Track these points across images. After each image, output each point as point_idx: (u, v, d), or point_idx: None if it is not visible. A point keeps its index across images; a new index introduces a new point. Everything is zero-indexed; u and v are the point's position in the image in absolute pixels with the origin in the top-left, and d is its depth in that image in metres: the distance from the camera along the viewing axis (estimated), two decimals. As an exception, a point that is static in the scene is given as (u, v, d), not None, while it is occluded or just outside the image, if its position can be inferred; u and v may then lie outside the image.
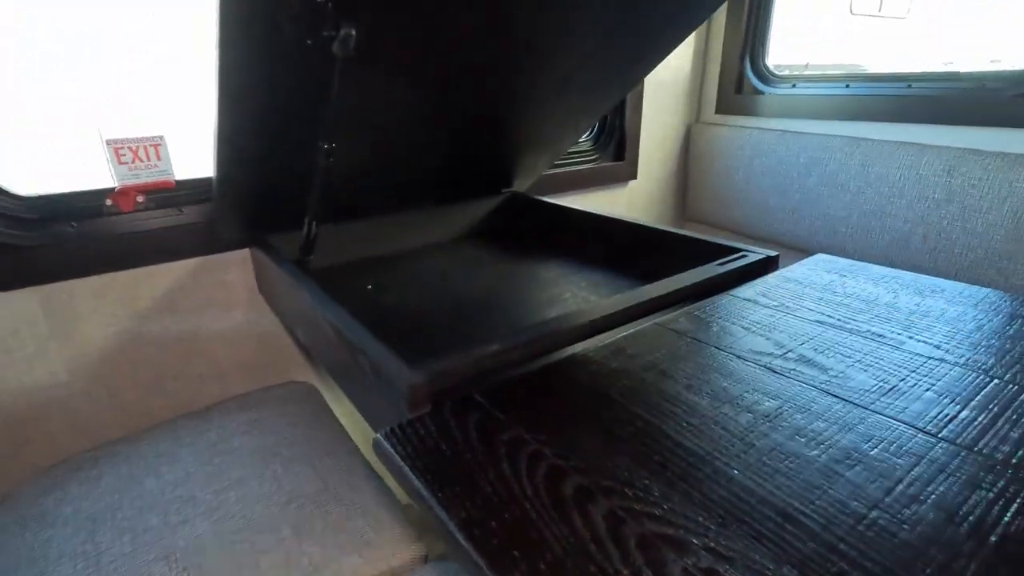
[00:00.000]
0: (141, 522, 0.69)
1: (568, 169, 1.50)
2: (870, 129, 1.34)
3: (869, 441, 0.41)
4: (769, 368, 0.50)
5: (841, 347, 0.53)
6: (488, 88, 0.85)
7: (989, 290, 0.64)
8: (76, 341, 0.92)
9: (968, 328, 0.56)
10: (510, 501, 0.36)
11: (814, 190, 1.41)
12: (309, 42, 0.56)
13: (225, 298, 1.03)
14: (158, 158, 0.95)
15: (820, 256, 0.78)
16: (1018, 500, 0.35)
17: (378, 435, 0.43)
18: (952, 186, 1.17)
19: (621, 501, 0.36)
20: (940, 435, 0.42)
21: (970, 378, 0.48)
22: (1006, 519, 0.34)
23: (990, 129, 1.15)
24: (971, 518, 0.34)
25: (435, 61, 0.74)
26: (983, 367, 0.50)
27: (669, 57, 1.58)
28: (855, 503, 0.36)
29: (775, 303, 0.63)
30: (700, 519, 0.34)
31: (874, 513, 0.35)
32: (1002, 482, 0.37)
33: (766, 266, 0.77)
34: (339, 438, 0.87)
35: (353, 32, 0.55)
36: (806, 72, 1.52)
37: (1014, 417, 0.43)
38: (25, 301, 0.86)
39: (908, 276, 0.68)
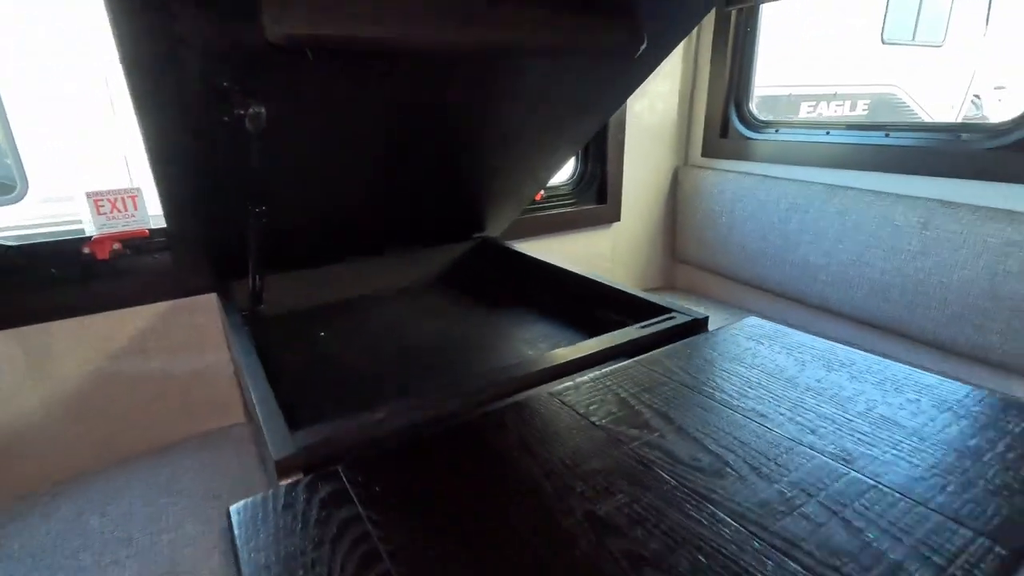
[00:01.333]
0: (75, 562, 0.73)
1: (550, 212, 1.52)
2: (849, 177, 1.32)
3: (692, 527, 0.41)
4: (633, 454, 0.50)
5: (715, 426, 0.53)
6: (430, 150, 0.89)
7: (899, 366, 0.62)
8: (52, 379, 0.98)
9: (857, 410, 0.55)
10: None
11: (794, 236, 1.39)
12: (225, 119, 0.61)
13: (196, 339, 1.08)
14: (135, 208, 1.02)
15: (749, 320, 0.77)
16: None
17: (231, 508, 0.45)
18: (927, 239, 1.14)
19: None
20: (769, 529, 0.41)
21: (828, 468, 0.47)
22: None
23: (965, 181, 1.12)
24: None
25: (360, 129, 0.78)
26: (845, 457, 0.49)
27: (655, 102, 1.61)
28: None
29: (676, 374, 0.63)
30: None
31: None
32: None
33: (694, 327, 0.77)
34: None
35: (263, 111, 0.60)
36: (788, 119, 1.51)
37: (861, 509, 0.42)
38: (4, 342, 0.93)
39: (823, 346, 0.67)
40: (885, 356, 0.65)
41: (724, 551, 0.40)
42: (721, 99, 1.58)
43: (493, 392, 0.61)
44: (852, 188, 1.29)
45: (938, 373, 0.62)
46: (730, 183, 1.56)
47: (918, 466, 0.47)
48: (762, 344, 0.69)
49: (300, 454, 0.49)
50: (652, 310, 0.82)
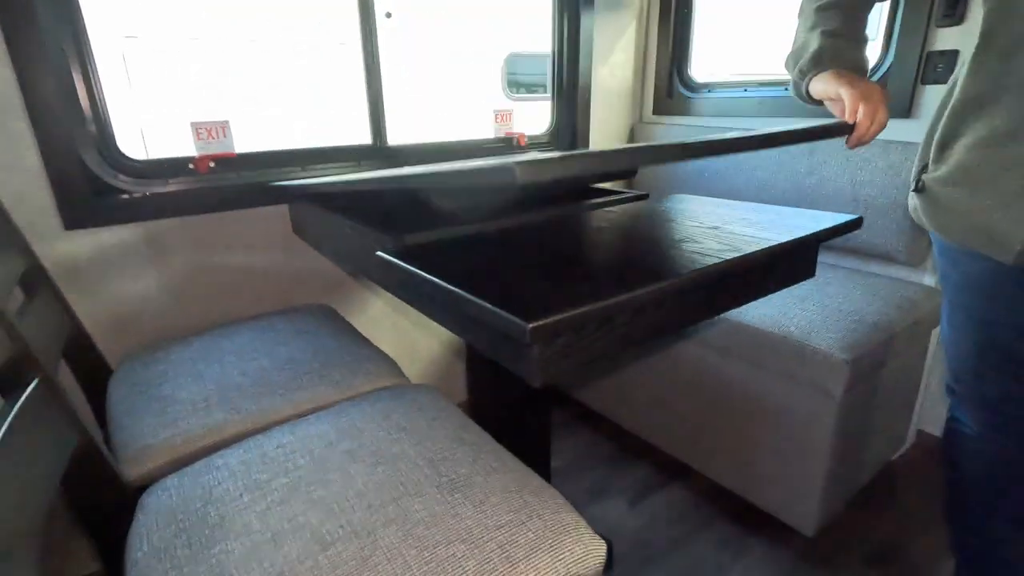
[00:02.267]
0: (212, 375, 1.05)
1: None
2: (762, 123, 1.72)
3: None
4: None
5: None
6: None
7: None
8: (164, 263, 1.29)
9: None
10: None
11: (724, 170, 1.79)
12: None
13: (268, 239, 1.40)
14: (224, 135, 1.33)
15: (675, 195, 1.15)
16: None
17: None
18: (813, 162, 1.56)
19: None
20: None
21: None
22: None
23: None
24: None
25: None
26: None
27: (614, 68, 1.98)
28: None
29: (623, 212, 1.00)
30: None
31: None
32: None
33: (640, 199, 1.15)
34: (354, 342, 1.23)
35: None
36: (719, 81, 1.91)
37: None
38: (133, 233, 1.24)
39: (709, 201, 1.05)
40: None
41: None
42: (666, 67, 1.97)
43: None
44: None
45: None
46: (677, 134, 1.95)
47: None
48: (679, 204, 1.07)
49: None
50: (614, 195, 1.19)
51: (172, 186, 1.27)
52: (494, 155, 1.76)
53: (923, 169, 0.86)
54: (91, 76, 1.16)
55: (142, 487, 0.78)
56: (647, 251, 0.74)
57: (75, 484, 0.72)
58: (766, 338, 1.21)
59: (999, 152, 0.74)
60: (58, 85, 1.10)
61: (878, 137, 1.16)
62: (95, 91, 1.17)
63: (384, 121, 1.54)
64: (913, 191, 0.88)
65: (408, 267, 0.69)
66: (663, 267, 0.65)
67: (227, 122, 1.32)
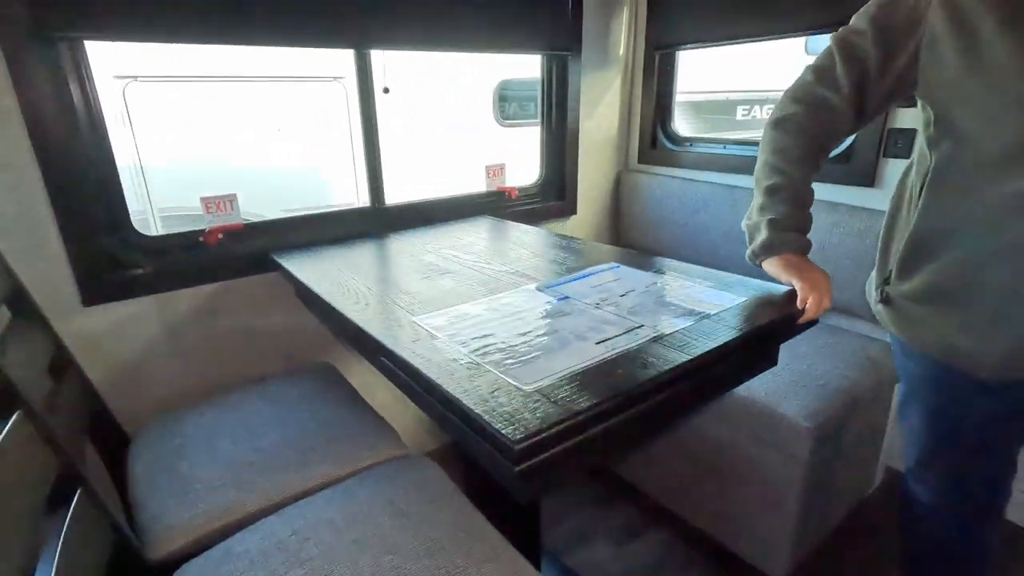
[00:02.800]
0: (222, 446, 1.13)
1: (522, 208, 1.97)
2: (740, 179, 1.83)
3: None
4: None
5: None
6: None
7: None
8: (176, 331, 1.37)
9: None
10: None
11: (703, 222, 1.89)
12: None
13: (272, 302, 1.48)
14: (232, 209, 1.41)
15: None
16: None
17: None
18: (785, 223, 1.65)
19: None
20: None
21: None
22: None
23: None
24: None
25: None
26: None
27: (601, 121, 2.08)
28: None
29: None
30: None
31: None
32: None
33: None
34: (354, 408, 1.32)
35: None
36: (699, 136, 2.01)
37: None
38: (147, 304, 1.31)
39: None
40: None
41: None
42: (650, 120, 2.07)
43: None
44: (740, 187, 1.80)
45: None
46: (659, 183, 2.05)
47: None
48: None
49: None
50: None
51: (183, 259, 1.35)
52: (487, 210, 1.85)
53: (886, 280, 0.91)
54: (109, 159, 1.24)
55: (165, 566, 0.86)
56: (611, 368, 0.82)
57: (108, 571, 0.80)
58: (739, 402, 1.31)
59: (964, 279, 0.78)
60: (80, 173, 1.18)
61: (846, 203, 1.24)
62: (112, 174, 1.25)
63: (382, 185, 1.63)
64: (879, 302, 0.94)
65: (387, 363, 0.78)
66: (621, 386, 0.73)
67: (235, 195, 1.41)
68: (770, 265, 0.97)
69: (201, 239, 1.38)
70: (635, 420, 0.72)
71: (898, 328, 0.90)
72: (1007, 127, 0.68)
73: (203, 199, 1.37)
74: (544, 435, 0.61)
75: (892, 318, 0.91)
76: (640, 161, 2.15)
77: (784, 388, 1.30)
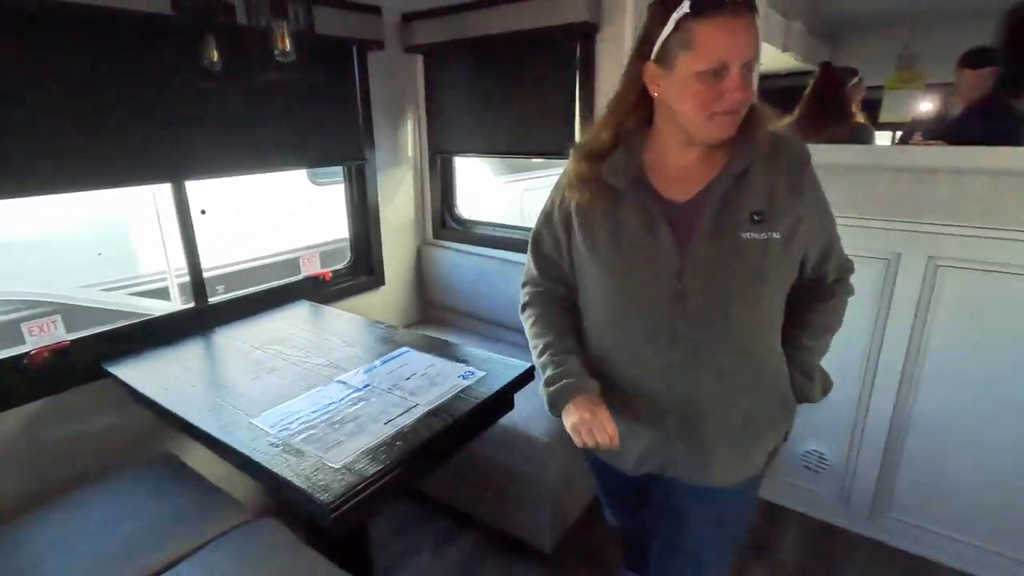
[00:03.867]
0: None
1: (338, 287, 2.33)
2: (509, 255, 2.41)
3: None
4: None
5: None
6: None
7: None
8: (6, 447, 1.47)
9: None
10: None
11: (485, 287, 2.43)
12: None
13: (108, 406, 1.63)
14: (55, 328, 1.55)
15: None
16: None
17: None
18: (538, 289, 2.26)
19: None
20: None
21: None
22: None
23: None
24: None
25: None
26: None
27: (399, 208, 2.52)
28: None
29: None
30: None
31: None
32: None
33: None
34: (198, 487, 1.56)
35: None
36: (476, 219, 2.57)
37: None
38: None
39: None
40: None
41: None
42: (439, 205, 2.58)
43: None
44: (512, 262, 2.38)
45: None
46: (450, 255, 2.55)
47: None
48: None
49: (251, 434, 1.25)
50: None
51: (6, 382, 1.47)
52: (306, 293, 2.17)
53: None
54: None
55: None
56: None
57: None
58: (507, 429, 1.84)
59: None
60: None
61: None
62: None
63: (204, 288, 1.87)
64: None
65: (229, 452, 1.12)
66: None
67: (58, 317, 1.55)
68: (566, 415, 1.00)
69: (25, 361, 1.50)
70: (410, 471, 1.16)
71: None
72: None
73: (24, 324, 1.50)
74: (348, 495, 1.02)
75: None
76: (435, 237, 2.64)
77: (535, 415, 1.87)
